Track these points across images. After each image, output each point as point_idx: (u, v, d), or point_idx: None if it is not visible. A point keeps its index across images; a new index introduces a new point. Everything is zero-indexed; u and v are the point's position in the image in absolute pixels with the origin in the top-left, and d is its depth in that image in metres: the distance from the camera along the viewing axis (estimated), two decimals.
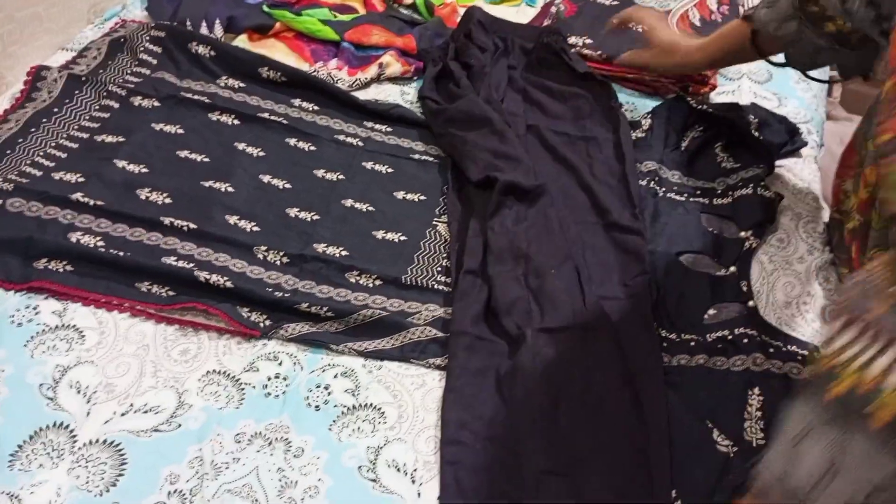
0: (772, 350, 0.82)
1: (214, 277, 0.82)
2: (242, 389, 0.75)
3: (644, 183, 1.01)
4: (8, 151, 0.95)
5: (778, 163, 1.05)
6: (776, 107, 1.17)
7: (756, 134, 1.05)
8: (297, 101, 1.11)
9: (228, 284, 0.82)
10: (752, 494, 0.56)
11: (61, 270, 0.83)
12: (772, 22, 0.93)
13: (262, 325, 0.80)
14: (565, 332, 0.83)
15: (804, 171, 1.07)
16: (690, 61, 1.07)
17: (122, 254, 0.83)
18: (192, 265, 0.84)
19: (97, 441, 0.70)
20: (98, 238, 0.86)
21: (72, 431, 0.70)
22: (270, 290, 0.84)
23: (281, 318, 0.81)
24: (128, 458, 0.69)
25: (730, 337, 0.83)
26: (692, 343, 0.83)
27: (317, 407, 0.75)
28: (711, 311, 0.87)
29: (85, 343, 0.77)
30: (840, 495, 0.49)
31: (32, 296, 0.81)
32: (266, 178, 0.98)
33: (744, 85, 1.22)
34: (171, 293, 0.82)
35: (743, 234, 0.95)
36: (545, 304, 0.85)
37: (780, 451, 0.53)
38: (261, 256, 0.88)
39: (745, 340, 0.82)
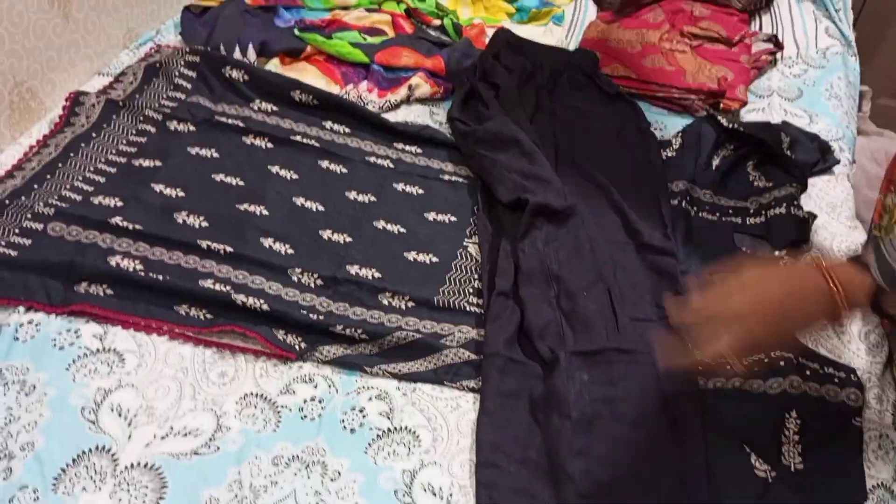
0: (808, 372, 0.81)
1: (251, 300, 0.83)
2: (279, 412, 0.76)
3: (675, 202, 1.01)
4: (48, 176, 0.98)
5: (811, 181, 1.04)
6: (807, 124, 1.16)
7: (788, 152, 1.05)
8: (328, 124, 1.12)
9: (265, 307, 0.83)
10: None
11: (101, 294, 0.84)
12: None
13: (297, 347, 0.81)
14: (599, 355, 0.82)
15: (837, 189, 1.07)
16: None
17: (160, 277, 0.85)
18: (229, 288, 0.85)
19: (138, 464, 0.71)
20: (137, 262, 0.87)
21: (113, 455, 0.71)
22: (305, 312, 0.85)
23: (316, 341, 0.82)
24: (168, 481, 0.70)
25: (766, 359, 0.82)
26: (728, 366, 0.83)
27: (352, 430, 0.76)
28: None
29: (125, 366, 0.79)
30: None
31: (73, 319, 0.82)
32: (299, 201, 1.00)
33: (774, 102, 1.21)
34: (209, 316, 0.83)
35: (777, 253, 0.94)
36: (577, 327, 0.85)
37: None
38: (295, 279, 0.89)
39: (782, 363, 0.81)
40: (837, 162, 1.10)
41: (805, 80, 1.27)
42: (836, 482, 0.74)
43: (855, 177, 1.16)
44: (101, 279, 0.85)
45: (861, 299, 0.65)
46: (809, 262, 0.66)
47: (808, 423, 0.78)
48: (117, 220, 0.91)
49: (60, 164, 1.00)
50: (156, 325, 0.82)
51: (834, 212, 1.03)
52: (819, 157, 1.08)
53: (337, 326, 0.83)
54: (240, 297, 0.83)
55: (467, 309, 0.89)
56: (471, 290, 0.91)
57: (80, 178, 0.99)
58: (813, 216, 0.99)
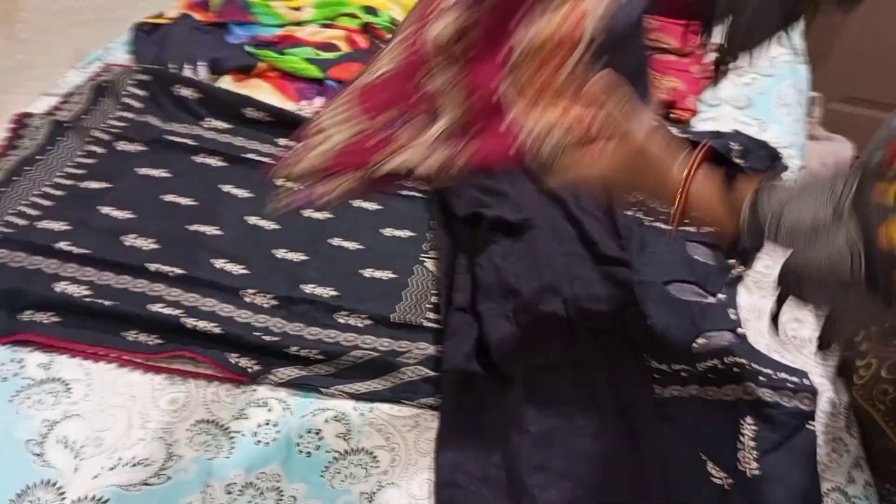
0: (762, 378, 0.82)
1: (202, 324, 0.81)
2: (232, 438, 0.75)
3: (630, 213, 1.01)
4: None
5: None
6: (757, 132, 1.18)
7: (740, 161, 1.06)
8: (282, 141, 1.11)
9: (217, 330, 0.81)
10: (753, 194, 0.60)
11: (47, 322, 0.82)
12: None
13: (250, 370, 0.80)
14: (557, 368, 0.82)
15: None
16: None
17: (108, 303, 0.83)
18: (179, 311, 0.83)
19: (86, 497, 0.69)
20: (84, 287, 0.85)
21: (60, 488, 0.69)
22: (259, 334, 0.83)
23: (270, 363, 0.81)
24: None
25: (720, 366, 0.83)
26: (683, 373, 0.83)
27: (308, 453, 0.74)
28: (701, 340, 0.87)
29: (72, 396, 0.76)
30: None
31: (18, 349, 0.80)
32: (253, 220, 0.98)
33: (724, 110, 1.23)
34: (158, 341, 0.82)
35: (729, 261, 0.95)
36: (535, 340, 0.85)
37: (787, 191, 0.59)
38: (249, 300, 0.88)
39: (736, 369, 0.82)
40: (786, 168, 1.11)
41: (755, 89, 1.29)
42: (791, 487, 0.74)
43: None
44: (47, 306, 0.83)
45: (713, 223, 0.63)
46: (683, 160, 0.63)
47: (763, 428, 0.78)
48: (63, 244, 0.89)
49: (4, 189, 0.97)
50: (103, 352, 0.80)
51: None
52: (769, 163, 1.09)
53: (292, 347, 0.82)
54: (190, 321, 0.81)
55: (425, 325, 0.88)
56: (428, 307, 0.90)
57: (26, 202, 0.96)
58: None
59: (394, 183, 0.66)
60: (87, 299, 0.83)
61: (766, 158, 1.10)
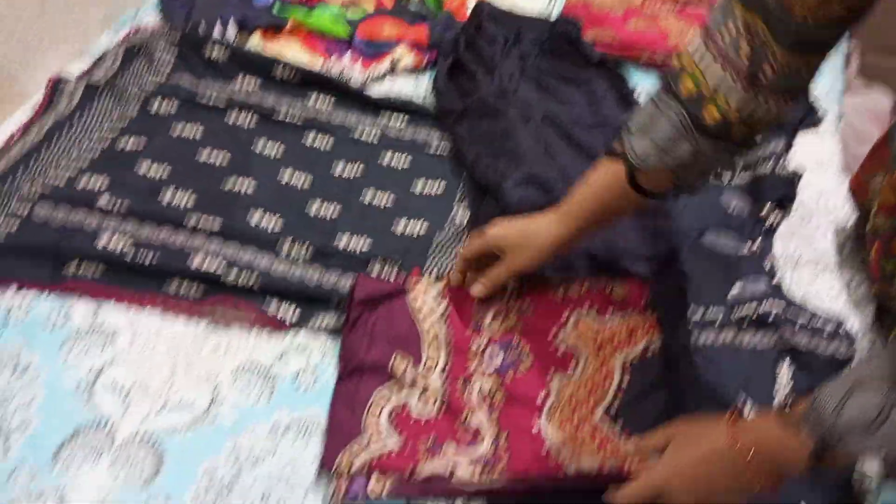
0: (798, 325, 0.82)
1: (242, 275, 0.83)
2: (273, 383, 0.76)
3: None
4: (31, 161, 0.97)
5: (798, 138, 1.04)
6: None
7: None
8: (312, 99, 1.11)
9: (256, 281, 0.83)
10: (806, 409, 0.58)
11: (91, 273, 0.84)
12: (653, 152, 0.68)
13: (290, 317, 0.81)
14: None
15: (823, 146, 1.07)
16: (557, 239, 0.76)
17: (149, 258, 0.84)
18: (219, 265, 0.85)
19: (135, 439, 0.71)
20: (125, 242, 0.87)
21: (110, 430, 0.71)
22: (297, 283, 0.84)
23: (309, 311, 0.82)
24: (165, 454, 0.70)
25: (755, 315, 0.83)
26: (718, 321, 0.83)
27: None
28: (736, 289, 0.87)
29: (118, 344, 0.79)
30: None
31: (64, 299, 0.82)
32: (286, 176, 0.99)
33: None
34: (200, 291, 0.83)
35: (764, 211, 0.94)
36: None
37: (840, 389, 0.56)
38: (285, 252, 0.89)
39: (772, 317, 0.82)
40: (823, 117, 1.10)
41: None
42: None
43: (844, 132, 1.16)
44: (90, 260, 0.85)
45: (794, 468, 0.59)
46: (731, 433, 0.62)
47: (800, 375, 0.79)
48: (103, 201, 0.91)
49: (44, 149, 0.99)
50: (147, 300, 0.82)
51: (821, 168, 1.03)
52: (805, 113, 1.08)
53: (329, 296, 0.83)
54: (231, 274, 0.83)
55: None
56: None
57: (64, 161, 0.98)
58: (799, 175, 0.99)
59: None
60: (129, 254, 0.85)
61: (802, 108, 1.08)
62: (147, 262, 0.84)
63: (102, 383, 0.75)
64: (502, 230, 0.79)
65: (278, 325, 0.81)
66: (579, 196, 0.76)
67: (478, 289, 0.82)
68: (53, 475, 0.68)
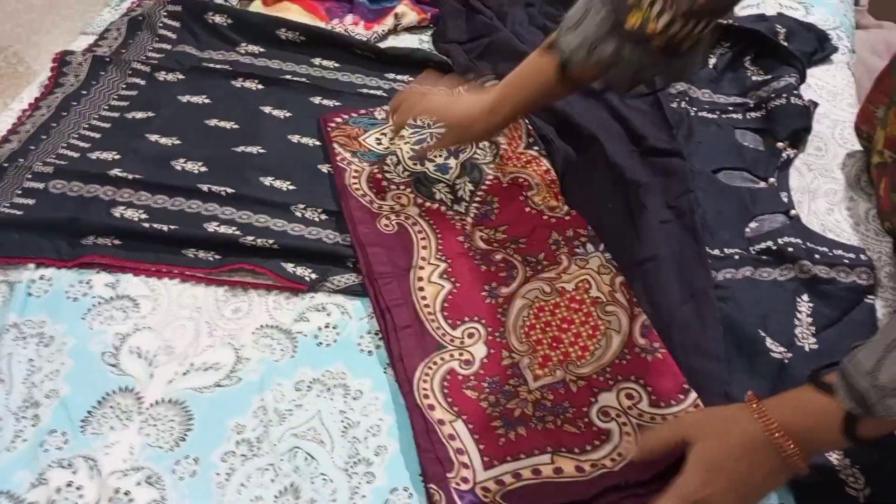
0: (817, 256, 0.81)
1: (259, 240, 0.83)
2: (295, 340, 0.77)
3: (674, 104, 0.99)
4: (44, 137, 0.97)
5: (811, 71, 1.03)
6: (803, 15, 1.14)
7: (785, 43, 1.03)
8: (317, 60, 1.11)
9: (272, 244, 0.83)
10: (840, 374, 0.56)
11: (109, 245, 0.85)
12: (580, 49, 0.73)
13: (308, 278, 0.82)
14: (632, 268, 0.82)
15: (837, 77, 1.05)
16: (493, 124, 0.85)
17: (166, 227, 0.85)
18: (234, 229, 0.85)
19: (163, 400, 0.72)
20: (141, 211, 0.87)
21: (137, 394, 0.73)
22: (313, 244, 0.85)
23: (326, 271, 0.83)
24: (194, 414, 0.71)
25: (774, 247, 0.82)
26: (737, 256, 0.83)
27: (369, 352, 0.76)
28: (753, 224, 0.86)
29: (140, 311, 0.80)
30: None
31: (84, 271, 0.83)
32: (295, 139, 0.99)
33: None
34: (217, 257, 0.84)
35: (780, 144, 0.93)
36: (606, 243, 0.85)
37: (875, 350, 0.53)
38: (299, 214, 0.89)
39: (790, 249, 0.81)
40: (836, 50, 1.08)
41: None
42: None
43: (856, 67, 1.14)
44: (107, 232, 0.86)
45: (830, 438, 0.56)
46: (760, 415, 0.58)
47: (820, 305, 0.78)
48: (116, 171, 0.91)
49: (55, 124, 0.99)
50: (166, 269, 0.83)
51: (835, 100, 1.01)
52: (817, 45, 1.06)
53: (345, 257, 0.83)
54: (247, 239, 0.83)
55: None
56: None
57: (76, 135, 0.98)
58: (814, 104, 0.98)
59: None
60: (145, 223, 0.86)
61: (814, 40, 1.07)
62: (163, 230, 0.85)
63: (128, 349, 0.76)
64: (453, 107, 0.86)
65: (296, 287, 0.81)
66: (511, 89, 0.82)
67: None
68: (84, 441, 0.69)
